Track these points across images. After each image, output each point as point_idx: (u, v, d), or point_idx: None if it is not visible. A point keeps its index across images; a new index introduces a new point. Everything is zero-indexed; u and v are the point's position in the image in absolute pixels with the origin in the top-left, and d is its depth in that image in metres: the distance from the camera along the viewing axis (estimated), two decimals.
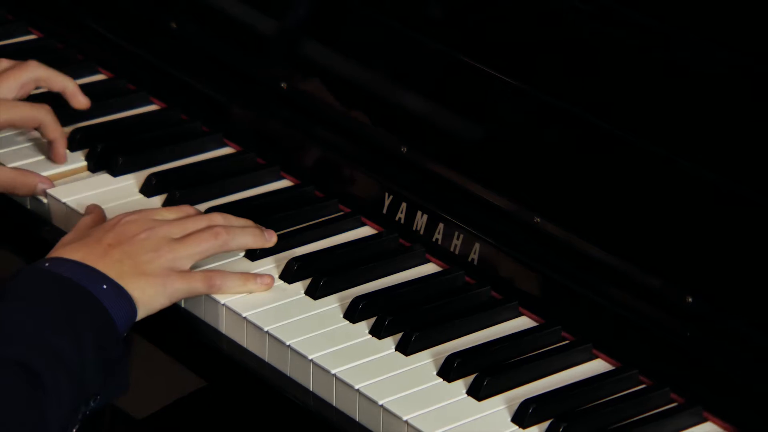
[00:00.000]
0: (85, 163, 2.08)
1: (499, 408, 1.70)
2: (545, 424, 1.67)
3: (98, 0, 2.33)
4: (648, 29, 1.83)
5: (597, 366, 1.78)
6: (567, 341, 1.80)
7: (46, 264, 1.74)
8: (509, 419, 1.69)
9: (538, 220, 1.86)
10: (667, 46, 1.81)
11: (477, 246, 1.89)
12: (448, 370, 1.74)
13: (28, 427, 1.58)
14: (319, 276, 1.86)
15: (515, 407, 1.69)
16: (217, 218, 1.86)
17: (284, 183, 2.07)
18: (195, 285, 1.80)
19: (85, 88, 2.20)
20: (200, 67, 2.18)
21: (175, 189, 2.01)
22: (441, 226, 1.92)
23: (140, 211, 1.85)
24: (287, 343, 1.77)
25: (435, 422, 1.68)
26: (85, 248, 1.78)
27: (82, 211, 1.94)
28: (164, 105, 2.21)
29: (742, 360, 1.70)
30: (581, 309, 1.81)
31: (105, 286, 1.73)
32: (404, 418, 1.68)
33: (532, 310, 1.85)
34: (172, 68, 2.20)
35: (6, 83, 2.04)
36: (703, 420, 1.71)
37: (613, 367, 1.77)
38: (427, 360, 1.76)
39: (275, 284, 1.86)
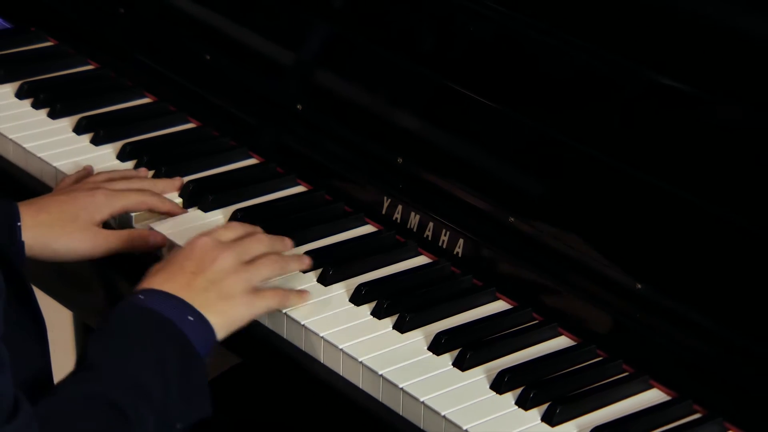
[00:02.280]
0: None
1: (480, 377, 1.70)
2: (518, 391, 1.67)
3: (144, 36, 2.33)
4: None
5: (561, 342, 1.77)
6: (536, 321, 1.80)
7: (141, 296, 1.67)
8: (488, 386, 1.69)
9: (513, 219, 1.86)
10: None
11: (461, 241, 1.89)
12: (437, 345, 1.74)
13: None
14: (328, 267, 1.86)
15: (493, 376, 1.69)
16: (267, 241, 1.81)
17: (299, 188, 2.06)
18: (270, 303, 1.75)
19: (133, 109, 2.23)
20: (229, 91, 2.18)
21: (208, 193, 2.00)
22: (431, 224, 1.92)
23: (207, 233, 1.77)
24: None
25: (426, 389, 1.68)
26: (172, 279, 1.70)
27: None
28: (199, 123, 2.20)
29: (680, 339, 1.71)
30: (548, 293, 1.81)
31: (191, 318, 1.67)
32: (400, 386, 1.68)
33: (507, 295, 1.84)
34: (206, 92, 2.20)
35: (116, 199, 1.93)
36: (648, 387, 1.70)
37: (575, 343, 1.77)
38: (419, 337, 1.76)
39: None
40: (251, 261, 1.76)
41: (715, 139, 1.73)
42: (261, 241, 1.79)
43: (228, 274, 1.72)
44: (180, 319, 1.65)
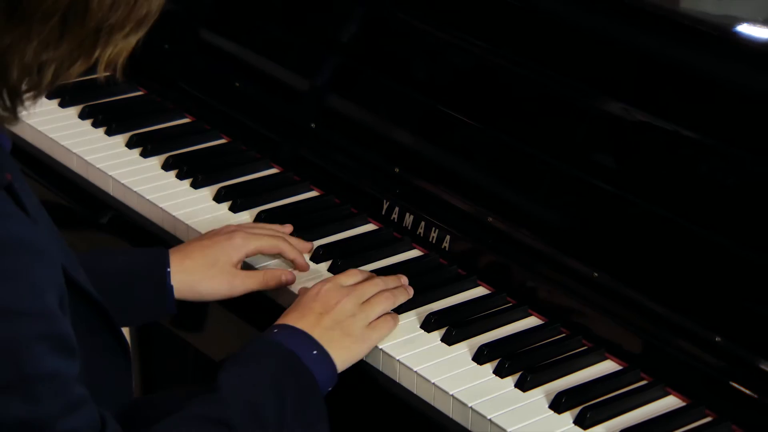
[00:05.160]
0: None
1: (463, 351, 1.69)
2: (495, 362, 1.66)
3: (184, 67, 2.33)
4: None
5: (531, 321, 1.76)
6: (510, 303, 1.79)
7: (275, 330, 1.63)
8: (470, 359, 1.68)
9: (491, 219, 1.85)
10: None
11: (448, 237, 1.87)
12: (428, 324, 1.73)
13: None
14: (336, 259, 1.85)
15: (474, 349, 1.68)
16: (381, 283, 1.74)
17: (313, 193, 2.04)
18: (383, 332, 1.69)
19: (174, 127, 2.22)
20: (255, 112, 2.16)
21: (237, 197, 2.00)
22: (422, 223, 1.91)
23: (329, 279, 1.72)
24: None
25: (415, 361, 1.67)
26: (303, 318, 1.64)
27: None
28: (230, 139, 2.19)
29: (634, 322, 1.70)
30: (518, 279, 1.80)
31: (315, 352, 1.61)
32: (397, 357, 1.67)
33: (486, 282, 1.83)
34: (235, 113, 2.19)
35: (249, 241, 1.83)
36: (604, 358, 1.69)
37: (542, 322, 1.75)
38: (412, 317, 1.75)
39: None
40: (367, 301, 1.71)
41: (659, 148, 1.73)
42: (376, 285, 1.73)
43: (349, 315, 1.67)
44: (305, 354, 1.59)
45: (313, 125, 2.09)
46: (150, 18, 1.28)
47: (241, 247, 1.78)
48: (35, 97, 1.28)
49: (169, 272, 1.73)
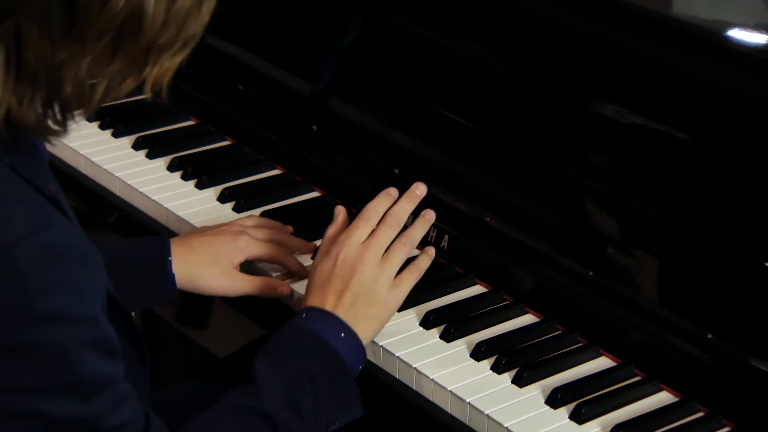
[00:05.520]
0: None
1: (461, 348, 1.70)
2: (493, 359, 1.67)
3: (189, 69, 2.31)
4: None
5: (528, 318, 1.76)
6: (507, 301, 1.79)
7: (303, 315, 1.61)
8: (468, 355, 1.68)
9: (488, 219, 1.85)
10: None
11: (446, 237, 1.88)
12: (426, 321, 1.73)
13: None
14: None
15: (472, 346, 1.69)
16: (395, 224, 1.68)
17: (314, 194, 2.05)
18: (408, 287, 1.67)
19: (180, 130, 2.22)
20: (258, 115, 2.17)
21: (240, 198, 2.00)
22: None
23: (343, 239, 1.66)
24: None
25: (414, 357, 1.67)
26: (326, 298, 1.62)
27: None
28: (234, 141, 2.19)
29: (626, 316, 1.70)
30: (515, 278, 1.80)
31: (343, 335, 1.59)
32: (396, 354, 1.67)
33: (483, 280, 1.83)
34: (239, 116, 2.19)
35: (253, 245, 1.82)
36: (599, 355, 1.69)
37: (538, 319, 1.76)
38: (411, 315, 1.75)
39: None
40: (385, 255, 1.66)
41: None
42: (391, 227, 1.68)
43: (369, 284, 1.63)
44: (333, 338, 1.58)
45: (314, 127, 2.09)
46: (195, 38, 1.30)
47: (244, 250, 1.78)
48: (86, 112, 1.30)
49: (171, 261, 1.73)
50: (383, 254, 1.66)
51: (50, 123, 1.28)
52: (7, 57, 1.22)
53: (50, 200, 1.30)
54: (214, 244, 1.77)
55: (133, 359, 1.49)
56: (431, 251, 1.71)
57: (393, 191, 1.73)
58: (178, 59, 1.31)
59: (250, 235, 1.80)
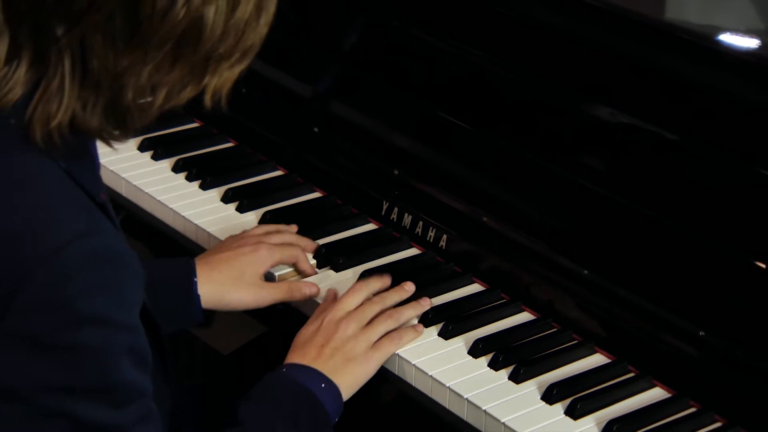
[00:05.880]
0: None
1: (459, 345, 1.70)
2: (490, 356, 1.67)
3: None
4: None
5: (524, 316, 1.77)
6: (504, 299, 1.80)
7: (284, 369, 1.63)
8: (466, 352, 1.69)
9: (486, 219, 1.86)
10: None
11: (444, 237, 1.88)
12: (425, 319, 1.74)
13: None
14: (338, 257, 1.86)
15: (470, 343, 1.69)
16: (381, 302, 1.72)
17: (316, 194, 2.05)
18: (388, 351, 1.68)
19: (184, 132, 2.22)
20: (260, 117, 2.17)
21: (243, 198, 2.00)
22: (420, 223, 1.91)
23: (331, 308, 1.70)
24: None
25: (414, 354, 1.67)
26: (307, 353, 1.64)
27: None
28: (237, 143, 2.20)
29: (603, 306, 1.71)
30: (512, 277, 1.81)
31: (323, 385, 1.60)
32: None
33: (481, 279, 1.84)
34: (242, 118, 2.19)
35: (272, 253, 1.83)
36: (594, 352, 1.70)
37: (535, 317, 1.76)
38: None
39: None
40: (370, 322, 1.69)
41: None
42: (376, 303, 1.72)
43: (349, 340, 1.66)
44: (315, 388, 1.60)
45: (316, 129, 2.09)
46: (254, 50, 1.31)
47: (266, 259, 1.78)
48: (147, 119, 1.31)
49: (196, 282, 1.73)
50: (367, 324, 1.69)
51: (112, 128, 1.30)
52: (73, 64, 1.24)
53: (99, 207, 1.31)
54: (236, 258, 1.77)
55: (159, 375, 1.48)
56: (420, 328, 1.72)
57: (386, 279, 1.77)
58: (238, 70, 1.32)
59: (267, 243, 1.81)
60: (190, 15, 1.23)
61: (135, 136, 1.35)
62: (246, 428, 1.54)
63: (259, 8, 1.29)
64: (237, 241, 1.83)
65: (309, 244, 1.88)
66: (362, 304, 1.72)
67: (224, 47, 1.28)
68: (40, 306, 1.22)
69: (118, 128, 1.30)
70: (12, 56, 1.25)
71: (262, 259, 1.78)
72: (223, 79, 1.31)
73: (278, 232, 1.87)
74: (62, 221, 1.24)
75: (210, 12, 1.24)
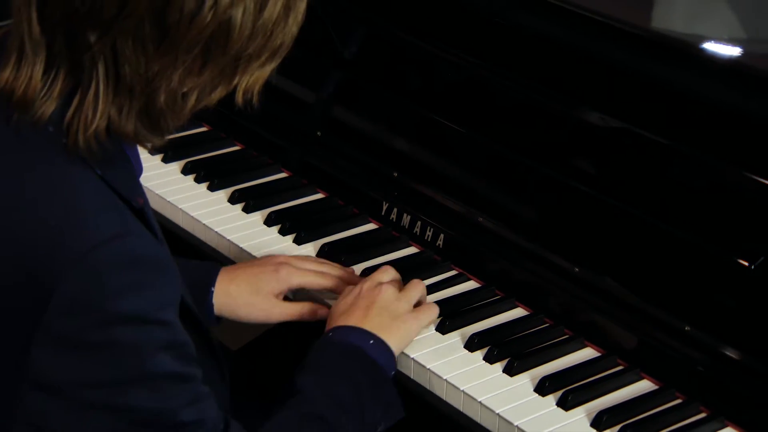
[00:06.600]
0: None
1: (455, 339, 1.71)
2: (485, 350, 1.68)
3: None
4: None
5: (518, 312, 1.77)
6: (498, 296, 1.80)
7: (330, 334, 1.61)
8: (462, 346, 1.69)
9: (481, 219, 1.86)
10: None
11: (442, 236, 1.89)
12: None
13: None
14: (340, 255, 1.86)
15: (466, 338, 1.70)
16: (415, 290, 1.72)
17: (319, 195, 2.05)
18: (431, 315, 1.70)
19: (192, 136, 2.22)
20: (265, 121, 2.17)
21: (249, 199, 2.01)
22: (419, 223, 1.92)
23: (366, 279, 1.70)
24: None
25: (412, 348, 1.67)
26: (352, 316, 1.63)
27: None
28: (243, 146, 2.20)
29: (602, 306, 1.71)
30: (506, 274, 1.81)
31: (371, 341, 1.60)
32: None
33: (476, 276, 1.84)
34: (248, 123, 2.19)
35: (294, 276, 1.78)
36: (584, 346, 1.70)
37: (528, 313, 1.77)
38: None
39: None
40: (404, 288, 1.71)
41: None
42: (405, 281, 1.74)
43: (392, 301, 1.66)
44: (364, 345, 1.59)
45: (319, 133, 2.09)
46: (284, 49, 1.31)
47: (285, 280, 1.74)
48: (179, 120, 1.31)
49: (213, 291, 1.71)
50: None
51: (147, 131, 1.30)
52: (107, 71, 1.24)
53: (137, 212, 1.32)
54: (256, 274, 1.75)
55: (212, 375, 1.48)
56: (436, 306, 1.72)
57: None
58: (268, 68, 1.32)
59: (291, 265, 1.77)
60: (217, 18, 1.23)
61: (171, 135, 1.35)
62: (305, 396, 1.52)
63: (287, 8, 1.28)
64: (268, 259, 1.80)
65: (345, 273, 1.79)
66: None
67: (253, 48, 1.27)
68: (74, 306, 1.23)
69: (153, 131, 1.30)
70: (49, 67, 1.25)
71: (280, 279, 1.74)
72: (254, 78, 1.31)
73: (314, 261, 1.82)
74: (94, 224, 1.25)
75: (238, 14, 1.24)
